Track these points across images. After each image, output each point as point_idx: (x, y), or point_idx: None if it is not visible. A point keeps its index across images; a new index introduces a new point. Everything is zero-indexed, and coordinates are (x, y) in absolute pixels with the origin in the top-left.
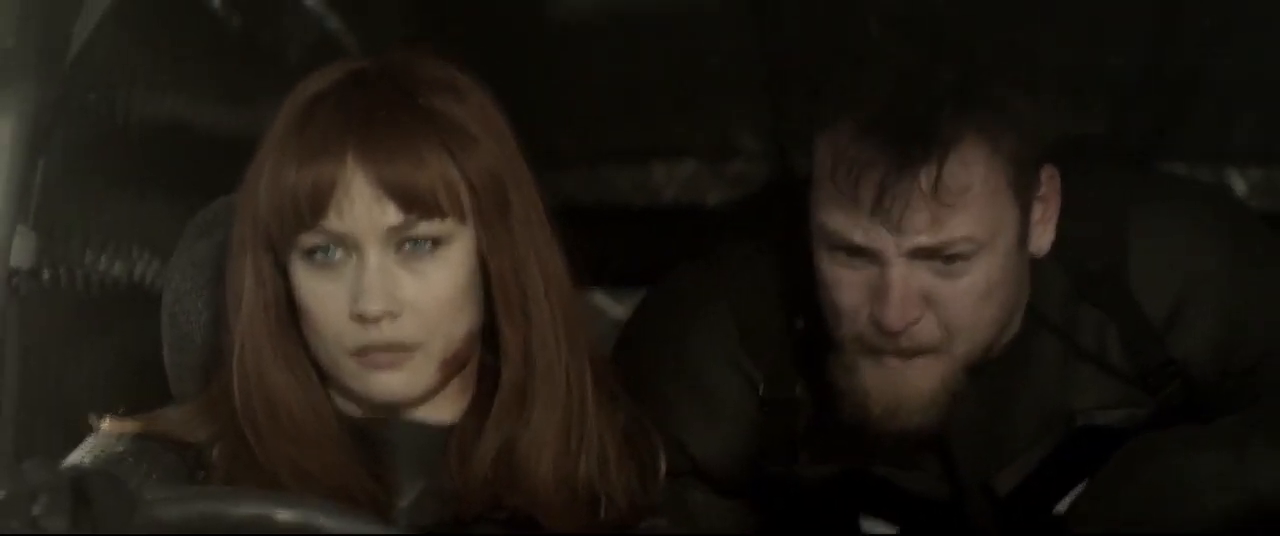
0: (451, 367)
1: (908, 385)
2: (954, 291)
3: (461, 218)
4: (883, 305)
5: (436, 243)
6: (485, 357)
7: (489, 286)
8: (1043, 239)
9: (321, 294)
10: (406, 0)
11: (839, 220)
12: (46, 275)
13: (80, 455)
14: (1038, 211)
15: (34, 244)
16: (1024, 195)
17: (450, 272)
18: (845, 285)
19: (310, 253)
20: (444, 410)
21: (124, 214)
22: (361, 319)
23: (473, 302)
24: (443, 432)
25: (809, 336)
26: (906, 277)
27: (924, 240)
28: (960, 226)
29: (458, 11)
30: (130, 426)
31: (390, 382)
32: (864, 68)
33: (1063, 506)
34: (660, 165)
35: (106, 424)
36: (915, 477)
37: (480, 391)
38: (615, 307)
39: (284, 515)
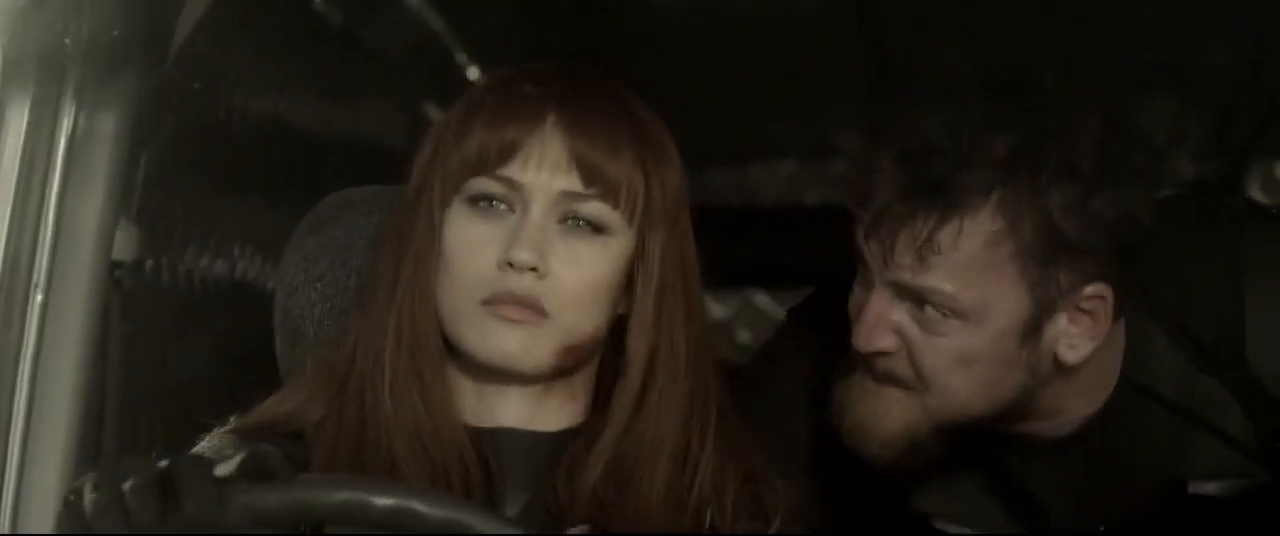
0: (568, 359)
1: (871, 411)
2: (928, 343)
3: (630, 219)
4: (857, 328)
5: (598, 230)
6: (602, 377)
7: (629, 301)
8: (1073, 353)
9: (475, 238)
10: (510, 1)
11: (859, 233)
12: (149, 268)
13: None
14: (1076, 322)
15: (136, 238)
16: (1043, 293)
17: (601, 261)
18: (852, 298)
19: (475, 200)
20: (552, 418)
21: (225, 209)
22: (510, 266)
23: (608, 304)
24: (551, 442)
25: None
26: (882, 307)
27: (906, 278)
28: (943, 280)
29: (561, 12)
30: (239, 426)
31: (510, 338)
32: (928, 109)
33: None
34: (759, 165)
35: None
36: None
37: (594, 407)
38: (716, 308)
39: (381, 502)
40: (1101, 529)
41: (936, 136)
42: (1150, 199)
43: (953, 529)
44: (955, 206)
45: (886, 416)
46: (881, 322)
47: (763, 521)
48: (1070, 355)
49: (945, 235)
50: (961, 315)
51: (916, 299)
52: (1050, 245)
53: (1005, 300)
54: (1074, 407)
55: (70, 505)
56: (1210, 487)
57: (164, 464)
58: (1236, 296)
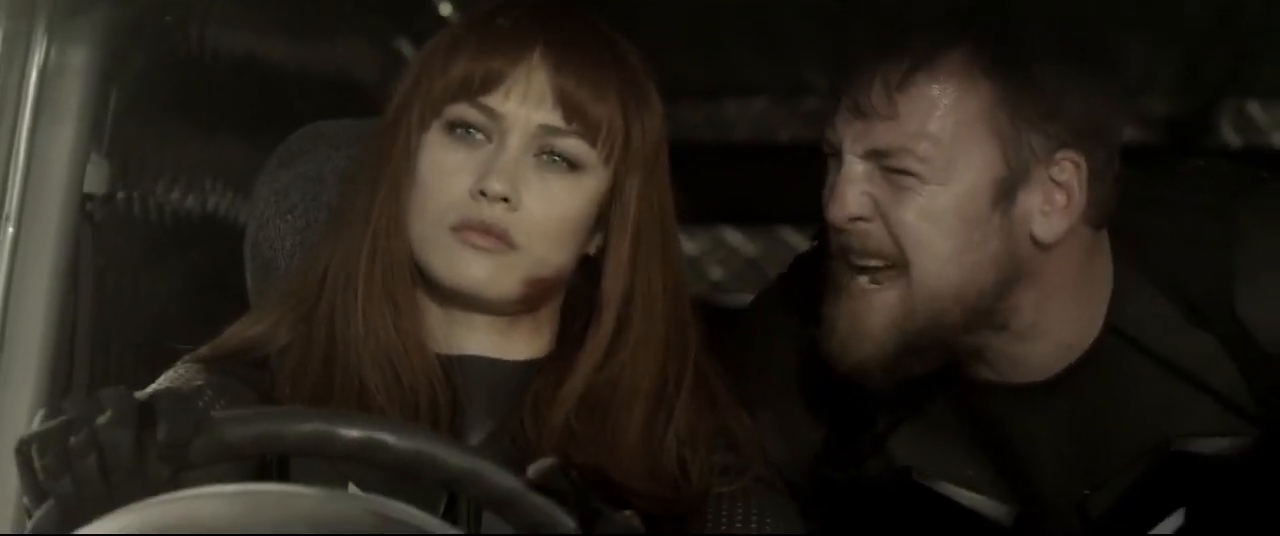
0: (534, 290)
1: (862, 316)
2: (902, 207)
3: (607, 159)
4: (830, 200)
5: (573, 166)
6: (567, 312)
7: (603, 245)
8: (1047, 228)
9: (449, 165)
10: None
11: (828, 124)
12: (120, 201)
13: (157, 388)
14: (1052, 197)
15: (107, 171)
16: (1015, 154)
17: (574, 198)
18: (826, 191)
19: (453, 127)
20: (518, 348)
21: (196, 143)
22: (483, 195)
23: (577, 241)
24: (516, 370)
25: None
26: (853, 176)
27: (877, 138)
28: (912, 138)
29: None
30: (204, 354)
31: (477, 266)
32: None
33: (1159, 531)
34: (732, 102)
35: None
36: (989, 501)
37: (560, 339)
38: (688, 244)
39: (348, 433)
40: (1085, 491)
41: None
42: (1117, 88)
43: (938, 484)
44: (925, 52)
45: (875, 312)
46: (852, 188)
47: (732, 453)
48: (1045, 229)
49: (917, 77)
50: (932, 170)
51: (887, 163)
52: (1021, 99)
53: (975, 156)
54: (1056, 332)
55: (47, 437)
56: (1199, 445)
57: (141, 397)
58: (1226, 254)
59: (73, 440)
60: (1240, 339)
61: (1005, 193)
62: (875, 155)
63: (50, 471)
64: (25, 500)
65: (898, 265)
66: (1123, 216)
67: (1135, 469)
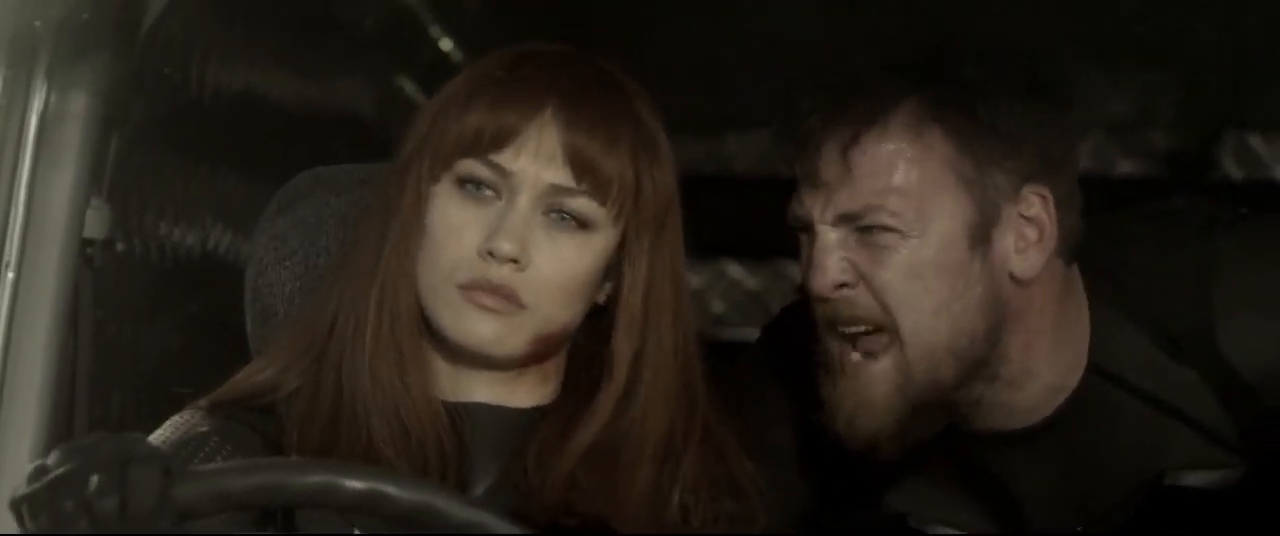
0: (541, 348)
1: (863, 389)
2: (883, 268)
3: (617, 217)
4: (810, 273)
5: (583, 225)
6: (572, 354)
7: (614, 298)
8: (1025, 264)
9: (458, 221)
10: None
11: (793, 200)
12: (120, 246)
13: (163, 434)
14: (1024, 233)
15: (108, 216)
16: (982, 195)
17: (583, 256)
18: (803, 265)
19: (463, 182)
20: (523, 396)
21: (197, 186)
22: (491, 255)
23: (585, 297)
24: (522, 418)
25: None
26: (829, 244)
27: (842, 203)
28: (878, 195)
29: None
30: (211, 399)
31: (485, 326)
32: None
33: None
34: (734, 135)
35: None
36: None
37: (565, 386)
38: (690, 278)
39: (353, 485)
40: (1078, 529)
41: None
42: (1070, 119)
43: (932, 529)
44: (875, 110)
45: (875, 383)
46: (831, 257)
47: (733, 501)
48: (1023, 266)
49: (869, 136)
50: (904, 230)
51: (856, 225)
52: (978, 141)
53: (945, 204)
54: (1042, 375)
55: (36, 500)
56: (1188, 479)
57: (123, 457)
58: (1206, 288)
59: (65, 504)
60: (1221, 373)
61: (980, 236)
62: (846, 220)
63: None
64: None
65: (886, 328)
66: (1099, 253)
67: (1128, 505)
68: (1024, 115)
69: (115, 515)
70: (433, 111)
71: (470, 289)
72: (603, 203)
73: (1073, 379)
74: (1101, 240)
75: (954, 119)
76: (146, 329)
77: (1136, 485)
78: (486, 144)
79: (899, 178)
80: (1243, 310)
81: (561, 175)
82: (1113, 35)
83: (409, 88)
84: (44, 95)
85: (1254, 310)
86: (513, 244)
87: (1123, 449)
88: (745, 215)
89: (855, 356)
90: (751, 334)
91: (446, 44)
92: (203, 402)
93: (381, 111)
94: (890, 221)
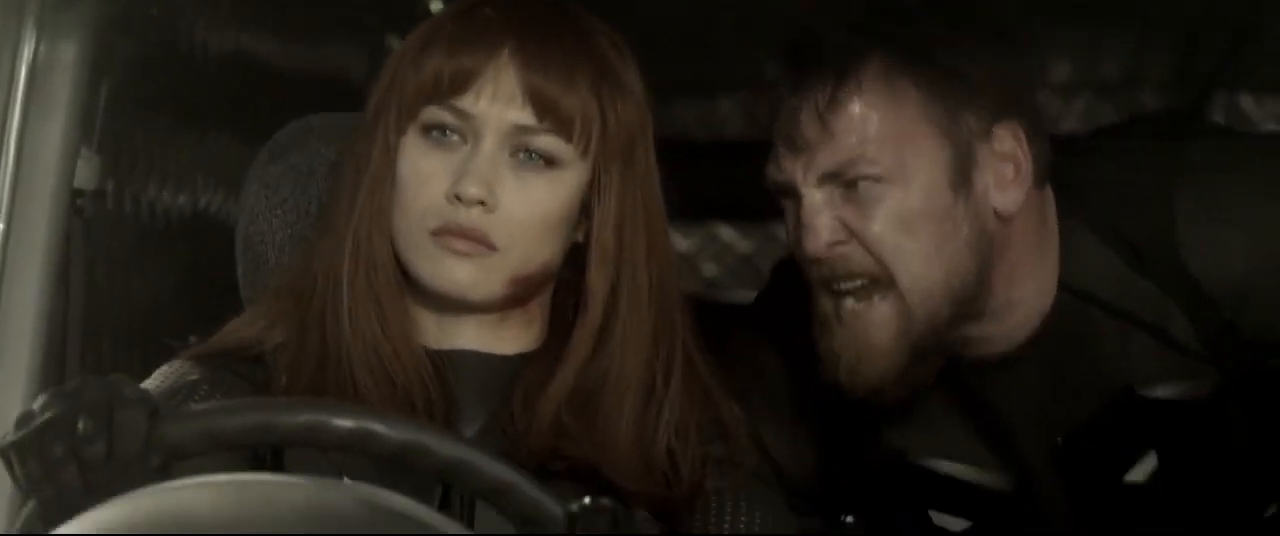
0: (520, 288)
1: (865, 336)
2: (872, 221)
3: (584, 152)
4: (802, 235)
5: (550, 162)
6: (556, 301)
7: (588, 235)
8: (1007, 199)
9: (426, 169)
10: None
11: (770, 166)
12: (110, 196)
13: (153, 383)
14: (1001, 170)
15: (97, 166)
16: (956, 138)
17: (553, 194)
18: (790, 230)
19: (428, 129)
20: (508, 342)
21: (187, 137)
22: (458, 199)
23: (561, 236)
24: (507, 364)
25: None
26: (816, 205)
27: (824, 162)
28: (857, 148)
29: None
30: (199, 350)
31: (459, 270)
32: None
33: (1133, 477)
34: (726, 98)
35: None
36: (973, 469)
37: (550, 332)
38: (681, 241)
39: (342, 424)
40: (1058, 439)
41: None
42: (1023, 61)
43: (928, 462)
44: (844, 68)
45: (875, 328)
46: (820, 217)
47: (723, 444)
48: (1005, 201)
49: (843, 94)
50: (886, 177)
51: (841, 181)
52: (944, 87)
53: (923, 151)
54: (1024, 302)
55: (23, 446)
56: (1155, 391)
57: (109, 401)
58: (1167, 200)
59: (53, 449)
60: (1183, 285)
61: (961, 179)
62: (829, 179)
63: (32, 479)
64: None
65: (880, 280)
66: (1065, 168)
67: (1102, 418)
68: (983, 58)
69: (103, 458)
70: (395, 62)
71: (441, 234)
72: (567, 139)
73: (1048, 300)
74: (1069, 156)
75: (920, 69)
76: (137, 278)
77: (1111, 398)
78: (446, 89)
79: (875, 129)
80: (1204, 220)
81: (523, 115)
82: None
83: (397, 45)
84: (33, 43)
85: (1214, 221)
86: (478, 187)
87: (1097, 364)
88: (736, 178)
89: (850, 303)
90: (744, 296)
91: (436, 4)
92: (191, 353)
93: (370, 68)
94: (872, 170)
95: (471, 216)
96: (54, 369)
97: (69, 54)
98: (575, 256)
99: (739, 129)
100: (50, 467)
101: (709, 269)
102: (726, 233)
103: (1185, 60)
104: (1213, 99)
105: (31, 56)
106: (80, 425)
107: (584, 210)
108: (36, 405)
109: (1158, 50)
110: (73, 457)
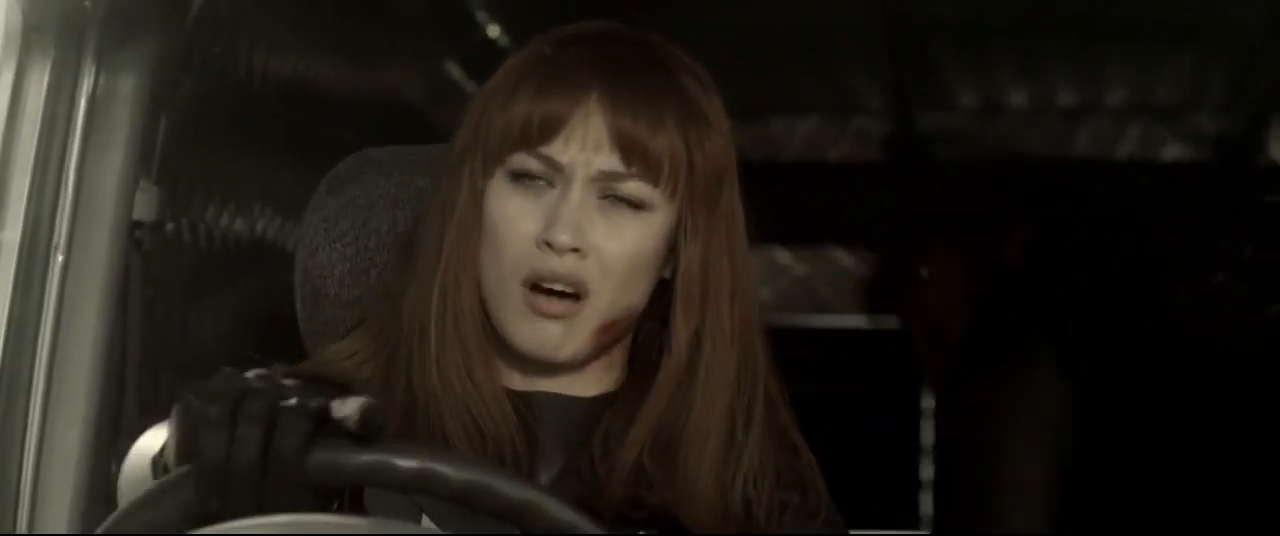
0: (606, 336)
1: None
2: None
3: (672, 195)
4: None
5: (638, 207)
6: (636, 340)
7: (673, 275)
8: None
9: (515, 214)
10: None
11: None
12: (169, 229)
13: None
14: None
15: (156, 198)
16: None
17: (643, 236)
18: None
19: (516, 176)
20: (590, 383)
21: (246, 170)
22: (549, 246)
23: (648, 280)
24: (588, 406)
25: None
26: None
27: None
28: None
29: None
30: (289, 370)
31: (547, 332)
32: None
33: None
34: (780, 121)
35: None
36: None
37: (630, 373)
38: None
39: (459, 476)
40: None
41: None
42: None
43: None
44: None
45: None
46: None
47: (798, 492)
48: None
49: None
50: None
51: None
52: None
53: None
54: None
55: (216, 393)
56: None
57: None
58: None
59: (250, 404)
60: None
61: None
62: None
63: (209, 421)
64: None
65: None
66: None
67: None
68: None
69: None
70: (480, 104)
71: (536, 291)
72: (655, 184)
73: None
74: None
75: None
76: (196, 311)
77: None
78: (535, 136)
79: None
80: None
81: (611, 160)
82: (1159, 17)
83: (455, 73)
84: (93, 77)
85: None
86: (569, 234)
87: None
88: (793, 201)
89: None
90: (800, 320)
91: (494, 29)
92: (286, 371)
93: (428, 97)
94: None
95: (565, 264)
96: (113, 402)
97: (128, 87)
98: (658, 294)
99: (795, 152)
100: (235, 420)
101: (764, 292)
102: (782, 256)
103: (1242, 83)
104: (1270, 122)
105: (91, 89)
106: (288, 401)
107: (672, 250)
108: (197, 401)
109: (1215, 73)
110: (263, 420)
